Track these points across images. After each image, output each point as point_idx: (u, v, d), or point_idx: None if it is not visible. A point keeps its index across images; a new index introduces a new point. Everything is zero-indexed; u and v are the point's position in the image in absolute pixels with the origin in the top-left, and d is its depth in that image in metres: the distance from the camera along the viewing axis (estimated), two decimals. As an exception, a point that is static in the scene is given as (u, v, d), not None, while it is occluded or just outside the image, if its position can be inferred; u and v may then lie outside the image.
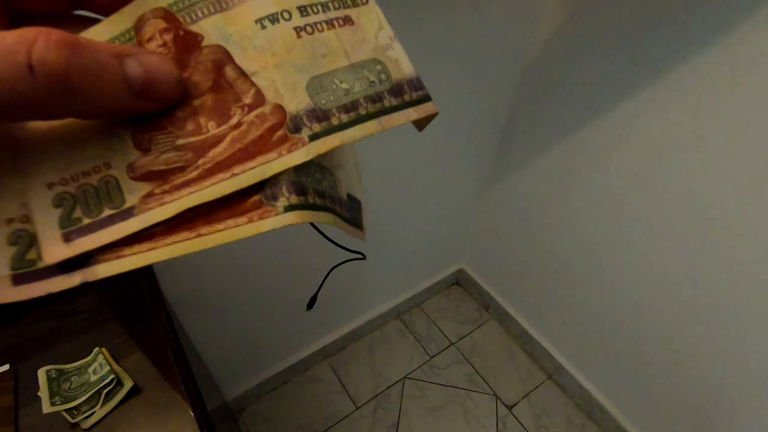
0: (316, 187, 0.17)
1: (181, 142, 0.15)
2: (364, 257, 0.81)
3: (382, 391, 1.33)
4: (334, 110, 0.16)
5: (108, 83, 0.13)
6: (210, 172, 0.15)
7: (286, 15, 0.16)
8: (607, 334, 1.15)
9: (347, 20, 0.17)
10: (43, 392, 0.49)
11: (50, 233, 0.14)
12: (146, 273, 0.64)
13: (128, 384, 0.51)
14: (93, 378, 0.51)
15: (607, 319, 1.12)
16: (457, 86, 0.93)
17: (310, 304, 0.83)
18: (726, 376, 0.90)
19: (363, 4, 0.17)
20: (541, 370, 1.39)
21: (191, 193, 0.15)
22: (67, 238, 0.14)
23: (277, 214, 0.15)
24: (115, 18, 0.15)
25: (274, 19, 0.16)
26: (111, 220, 0.15)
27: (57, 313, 0.59)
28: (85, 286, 0.14)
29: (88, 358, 0.53)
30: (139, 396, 0.51)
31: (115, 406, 0.50)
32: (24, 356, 0.54)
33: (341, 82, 0.16)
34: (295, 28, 0.16)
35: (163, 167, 0.15)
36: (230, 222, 0.15)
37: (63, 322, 0.58)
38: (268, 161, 0.15)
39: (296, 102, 0.16)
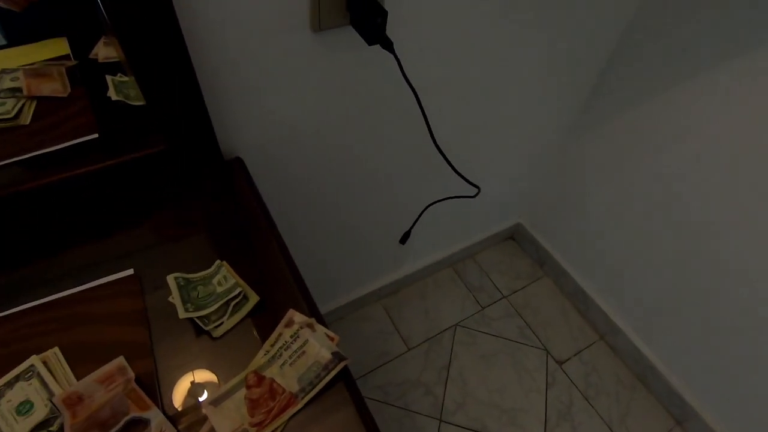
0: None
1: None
2: (478, 191, 0.78)
3: (434, 335, 1.34)
4: (306, 386, 0.44)
5: None
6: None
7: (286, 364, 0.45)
8: (674, 299, 1.12)
9: (302, 353, 0.46)
10: (176, 298, 0.48)
11: None
12: (255, 196, 0.63)
13: (254, 298, 0.51)
14: (219, 289, 0.50)
15: (677, 284, 1.08)
16: (558, 28, 0.85)
17: (404, 239, 0.82)
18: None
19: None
20: (593, 330, 1.38)
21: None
22: None
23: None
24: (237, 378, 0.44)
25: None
26: None
27: (174, 222, 0.59)
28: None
29: (210, 270, 0.52)
30: (264, 312, 0.50)
31: (241, 318, 0.50)
32: (142, 263, 0.54)
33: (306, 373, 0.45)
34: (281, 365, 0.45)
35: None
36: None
37: (178, 233, 0.58)
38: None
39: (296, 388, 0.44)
